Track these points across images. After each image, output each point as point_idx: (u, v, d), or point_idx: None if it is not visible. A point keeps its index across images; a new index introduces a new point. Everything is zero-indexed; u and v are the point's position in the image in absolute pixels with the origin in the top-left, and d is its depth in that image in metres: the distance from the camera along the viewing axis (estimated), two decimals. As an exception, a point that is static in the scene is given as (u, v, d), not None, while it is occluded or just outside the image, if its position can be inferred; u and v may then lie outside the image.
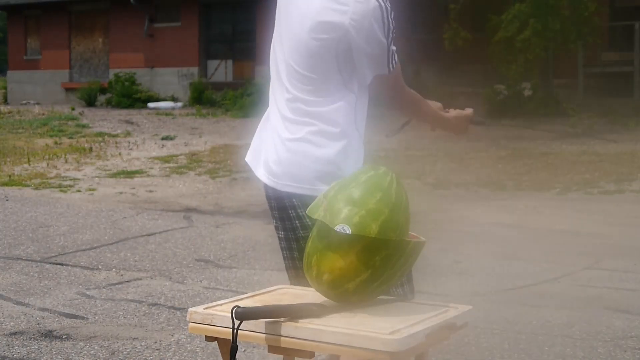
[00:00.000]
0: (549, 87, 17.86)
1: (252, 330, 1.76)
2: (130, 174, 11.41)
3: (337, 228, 1.85)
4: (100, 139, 15.52)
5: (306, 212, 1.99)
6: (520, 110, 16.83)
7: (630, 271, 5.82)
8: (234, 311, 1.74)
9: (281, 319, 1.75)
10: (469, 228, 7.39)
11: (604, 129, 14.56)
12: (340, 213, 1.87)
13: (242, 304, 1.90)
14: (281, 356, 1.89)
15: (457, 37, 17.19)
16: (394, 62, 2.43)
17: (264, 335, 1.76)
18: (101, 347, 4.18)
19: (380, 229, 1.84)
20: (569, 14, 16.55)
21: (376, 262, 1.85)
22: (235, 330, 1.74)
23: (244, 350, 3.83)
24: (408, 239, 1.90)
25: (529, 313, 4.78)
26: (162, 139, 15.44)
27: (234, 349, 1.78)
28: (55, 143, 14.80)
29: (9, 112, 21.00)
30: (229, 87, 22.57)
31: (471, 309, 1.92)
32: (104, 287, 5.41)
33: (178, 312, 4.81)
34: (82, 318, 4.69)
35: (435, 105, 2.68)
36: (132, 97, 23.43)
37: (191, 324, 1.86)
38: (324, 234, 1.89)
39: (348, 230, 1.84)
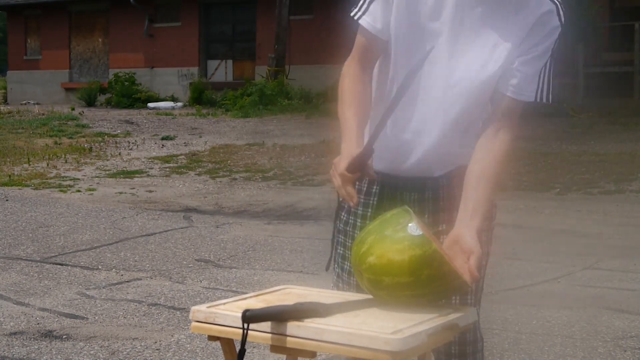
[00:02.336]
0: (549, 87, 17.84)
1: (255, 330, 1.76)
2: (130, 174, 11.41)
3: (410, 225, 1.87)
4: (100, 139, 15.53)
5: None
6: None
7: (630, 271, 5.82)
8: (243, 314, 1.74)
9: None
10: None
11: (604, 129, 14.56)
12: (413, 217, 1.92)
13: (245, 303, 1.89)
14: (281, 355, 1.89)
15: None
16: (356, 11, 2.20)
17: (266, 334, 1.76)
18: (101, 347, 4.18)
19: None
20: (569, 13, 16.53)
21: (422, 275, 1.84)
22: (245, 333, 1.74)
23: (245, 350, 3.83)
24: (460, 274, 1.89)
25: (529, 313, 4.79)
26: (162, 139, 15.44)
27: (242, 352, 1.78)
28: (55, 143, 14.81)
29: (9, 112, 21.00)
30: (229, 87, 22.59)
31: (474, 310, 1.92)
32: (104, 287, 5.41)
33: (178, 312, 4.81)
34: (82, 318, 4.69)
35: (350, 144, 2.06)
36: (132, 97, 23.45)
37: (194, 322, 1.85)
38: (392, 222, 1.90)
39: (418, 232, 1.86)
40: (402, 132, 2.20)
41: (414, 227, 1.86)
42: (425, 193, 2.25)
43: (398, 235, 1.87)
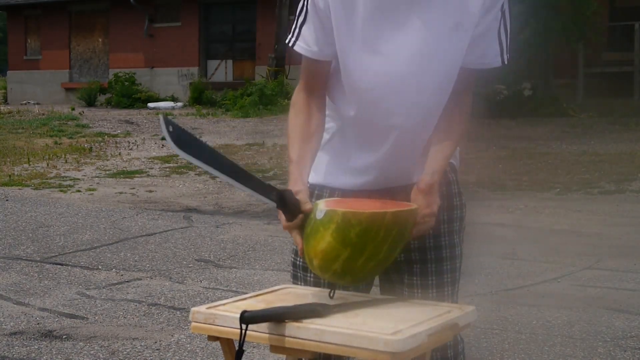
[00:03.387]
0: (549, 87, 17.87)
1: (255, 330, 1.76)
2: (130, 174, 11.41)
3: (317, 212, 1.90)
4: (100, 139, 15.52)
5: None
6: (520, 110, 16.83)
7: (630, 271, 5.82)
8: (241, 315, 1.74)
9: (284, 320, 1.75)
10: (469, 228, 7.37)
11: (604, 129, 14.57)
12: (320, 204, 1.94)
13: (245, 304, 1.90)
14: (281, 355, 1.89)
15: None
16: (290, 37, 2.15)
17: (266, 335, 1.76)
18: (101, 347, 4.18)
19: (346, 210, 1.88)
20: (570, 13, 16.57)
21: (352, 239, 1.84)
22: (243, 334, 1.75)
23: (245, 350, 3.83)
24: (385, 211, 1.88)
25: (529, 313, 4.79)
26: (162, 139, 15.41)
27: (240, 353, 1.78)
28: (55, 143, 14.80)
29: (9, 112, 21.00)
30: (229, 87, 22.59)
31: (474, 310, 1.92)
32: (104, 287, 5.41)
33: (178, 312, 4.81)
34: (82, 318, 4.69)
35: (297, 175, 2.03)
36: (132, 97, 23.45)
37: (194, 323, 1.85)
38: (307, 222, 1.93)
39: (323, 211, 1.88)
40: (375, 149, 2.14)
41: (319, 212, 1.89)
42: (397, 197, 2.16)
43: (313, 228, 1.89)
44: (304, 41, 2.09)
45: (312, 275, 2.19)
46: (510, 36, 2.11)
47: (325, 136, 2.20)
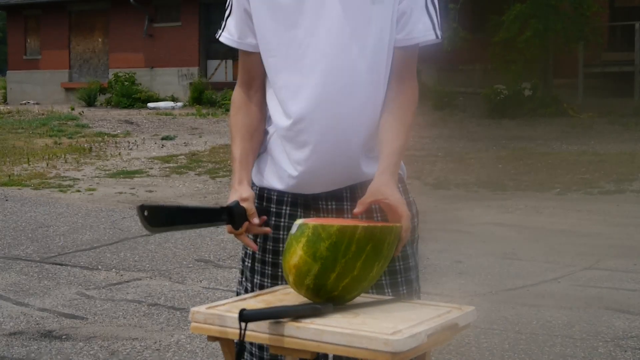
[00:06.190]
0: (549, 87, 17.88)
1: (253, 330, 1.76)
2: (130, 174, 11.40)
3: (292, 228, 1.88)
4: (99, 139, 15.52)
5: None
6: (520, 110, 16.85)
7: (630, 271, 5.82)
8: (240, 314, 1.74)
9: (284, 319, 1.75)
10: (469, 228, 7.38)
11: (604, 129, 14.57)
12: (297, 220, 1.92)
13: (244, 304, 1.89)
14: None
15: (457, 37, 17.22)
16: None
17: (266, 335, 1.76)
18: (101, 347, 4.18)
19: (317, 223, 1.84)
20: (570, 13, 16.58)
21: (322, 252, 1.80)
22: (242, 332, 1.74)
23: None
24: (359, 225, 1.81)
25: (529, 313, 4.79)
26: (162, 139, 15.44)
27: (240, 351, 1.78)
28: (55, 143, 14.80)
29: (9, 112, 21.00)
30: (229, 87, 22.57)
31: (474, 310, 1.91)
32: (103, 287, 5.41)
33: (178, 312, 4.81)
34: (82, 318, 4.69)
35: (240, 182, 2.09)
36: (132, 97, 23.43)
37: (193, 323, 1.85)
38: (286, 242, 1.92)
39: (295, 228, 1.86)
40: (309, 146, 2.08)
41: (294, 227, 1.86)
42: (344, 204, 2.13)
43: (287, 244, 1.88)
44: (228, 32, 2.16)
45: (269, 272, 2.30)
46: (439, 13, 2.09)
47: (267, 136, 2.17)
